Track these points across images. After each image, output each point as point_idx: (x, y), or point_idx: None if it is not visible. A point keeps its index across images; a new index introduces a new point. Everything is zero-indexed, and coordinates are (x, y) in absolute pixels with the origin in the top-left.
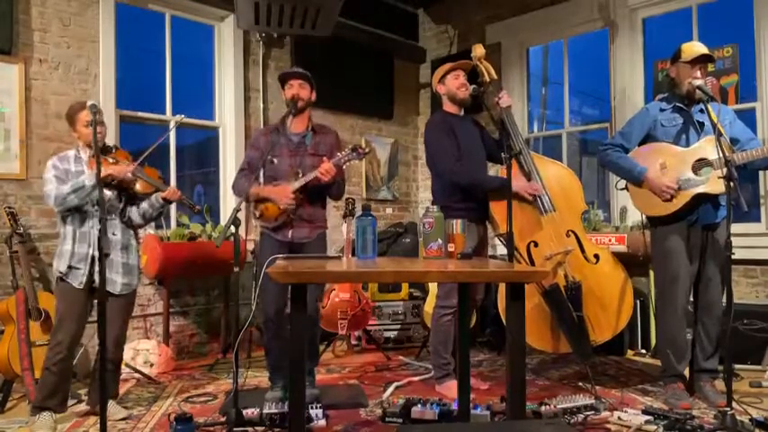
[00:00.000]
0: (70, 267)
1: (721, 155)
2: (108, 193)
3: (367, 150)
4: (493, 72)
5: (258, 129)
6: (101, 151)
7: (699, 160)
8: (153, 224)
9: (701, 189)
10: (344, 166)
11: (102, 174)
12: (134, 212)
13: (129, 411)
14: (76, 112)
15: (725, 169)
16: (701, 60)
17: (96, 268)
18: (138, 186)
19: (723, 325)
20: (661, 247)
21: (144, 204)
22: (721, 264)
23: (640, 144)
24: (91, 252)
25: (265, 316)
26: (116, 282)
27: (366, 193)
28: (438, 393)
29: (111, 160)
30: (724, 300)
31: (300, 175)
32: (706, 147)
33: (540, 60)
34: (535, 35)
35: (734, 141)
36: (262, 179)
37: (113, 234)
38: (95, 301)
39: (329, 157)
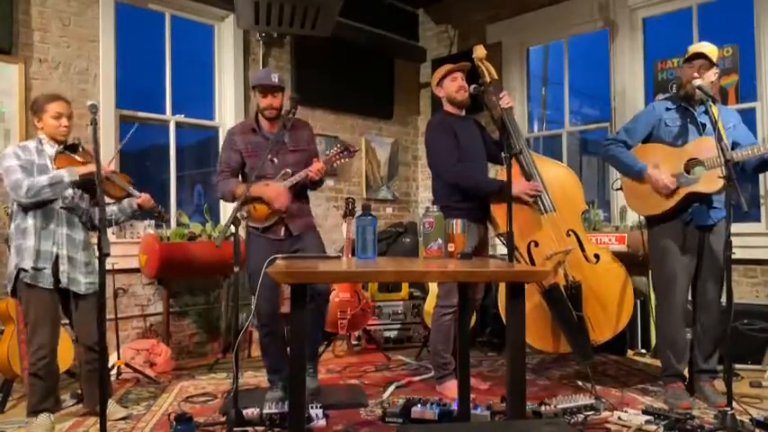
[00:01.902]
0: (35, 268)
1: (720, 154)
2: (70, 191)
3: (356, 149)
4: (494, 72)
5: (232, 127)
6: (68, 148)
7: (691, 160)
8: (153, 224)
9: (692, 188)
10: (335, 165)
11: (82, 172)
12: (96, 214)
13: (128, 411)
14: (46, 102)
15: (723, 168)
16: (696, 58)
17: (61, 268)
18: (111, 189)
19: (723, 325)
20: (657, 247)
21: (113, 207)
22: (718, 265)
23: (643, 142)
24: (56, 251)
25: (259, 317)
26: (80, 281)
27: (366, 192)
28: (438, 393)
29: (79, 159)
30: (723, 299)
31: (290, 174)
32: (698, 147)
33: (541, 60)
34: (535, 35)
35: (735, 145)
36: (242, 179)
37: (75, 234)
38: (62, 301)
39: (309, 151)
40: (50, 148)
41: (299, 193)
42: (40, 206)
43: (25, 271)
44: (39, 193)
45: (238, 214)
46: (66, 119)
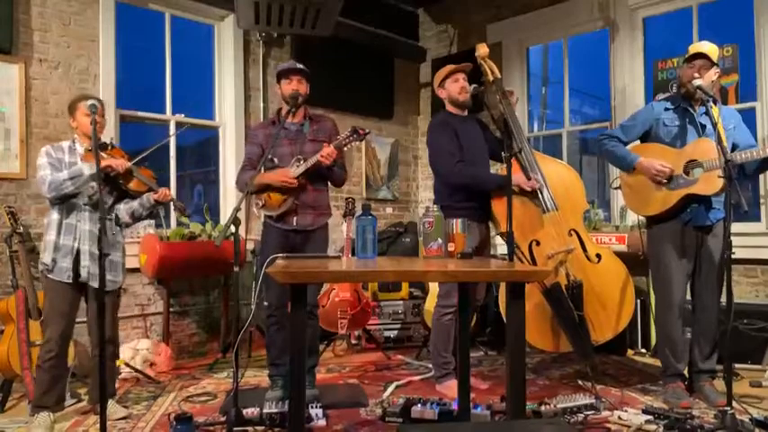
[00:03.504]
0: (54, 261)
1: (721, 155)
2: (96, 186)
3: (367, 131)
4: (496, 71)
5: (255, 123)
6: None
7: (690, 161)
8: (153, 223)
9: (690, 189)
10: (346, 149)
11: (102, 165)
12: (122, 210)
13: (128, 411)
14: (78, 101)
15: (724, 168)
16: (696, 58)
17: (83, 263)
18: (132, 184)
19: (723, 325)
20: (655, 247)
21: (134, 203)
22: (716, 266)
23: (641, 141)
24: (76, 246)
25: (269, 308)
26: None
27: (366, 192)
28: (438, 393)
29: (106, 156)
30: (723, 299)
31: (302, 161)
32: (697, 148)
33: (541, 60)
34: (535, 35)
35: (734, 147)
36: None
37: (98, 230)
38: (83, 297)
39: (329, 142)
40: (81, 147)
41: (317, 183)
42: (64, 201)
43: (45, 264)
44: (60, 188)
45: (254, 202)
46: (97, 116)
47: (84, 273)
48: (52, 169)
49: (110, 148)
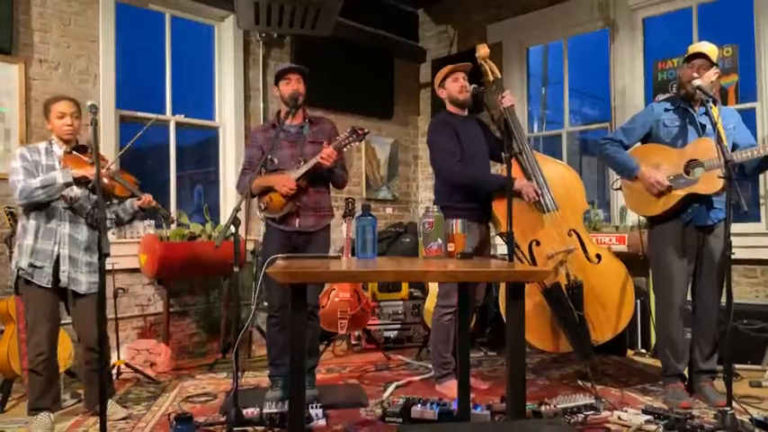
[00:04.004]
0: (32, 266)
1: (720, 155)
2: (78, 191)
3: (366, 131)
4: (497, 71)
5: (255, 126)
6: (76, 149)
7: (691, 161)
8: (153, 224)
9: (691, 189)
10: (345, 149)
11: (78, 174)
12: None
13: (128, 411)
14: (50, 103)
15: (724, 169)
16: (696, 58)
17: (62, 267)
18: (116, 190)
19: (723, 325)
20: (656, 248)
21: (117, 208)
22: (717, 265)
23: (642, 142)
24: (57, 250)
25: (271, 307)
26: (81, 281)
27: (366, 192)
28: (438, 393)
29: (87, 159)
30: (723, 300)
31: (302, 163)
32: (697, 148)
33: (541, 60)
34: (535, 35)
35: (734, 146)
36: (264, 174)
37: (78, 234)
38: (62, 300)
39: (329, 143)
40: (59, 149)
41: (319, 185)
42: (42, 206)
43: (23, 269)
44: (31, 196)
45: (256, 205)
46: (69, 118)
47: (63, 278)
48: (26, 174)
49: (89, 150)
